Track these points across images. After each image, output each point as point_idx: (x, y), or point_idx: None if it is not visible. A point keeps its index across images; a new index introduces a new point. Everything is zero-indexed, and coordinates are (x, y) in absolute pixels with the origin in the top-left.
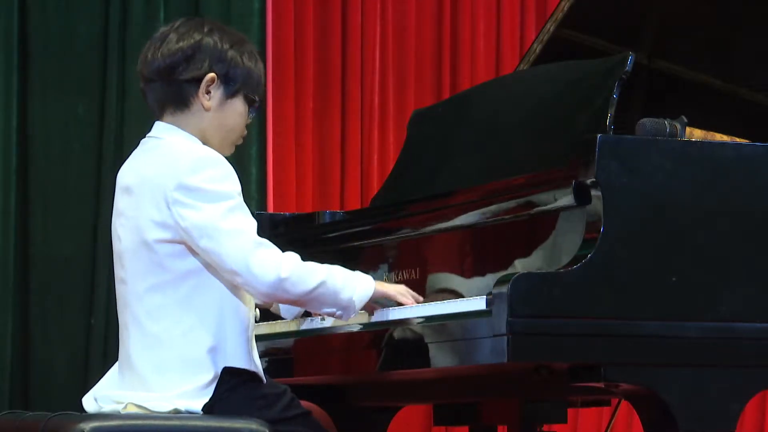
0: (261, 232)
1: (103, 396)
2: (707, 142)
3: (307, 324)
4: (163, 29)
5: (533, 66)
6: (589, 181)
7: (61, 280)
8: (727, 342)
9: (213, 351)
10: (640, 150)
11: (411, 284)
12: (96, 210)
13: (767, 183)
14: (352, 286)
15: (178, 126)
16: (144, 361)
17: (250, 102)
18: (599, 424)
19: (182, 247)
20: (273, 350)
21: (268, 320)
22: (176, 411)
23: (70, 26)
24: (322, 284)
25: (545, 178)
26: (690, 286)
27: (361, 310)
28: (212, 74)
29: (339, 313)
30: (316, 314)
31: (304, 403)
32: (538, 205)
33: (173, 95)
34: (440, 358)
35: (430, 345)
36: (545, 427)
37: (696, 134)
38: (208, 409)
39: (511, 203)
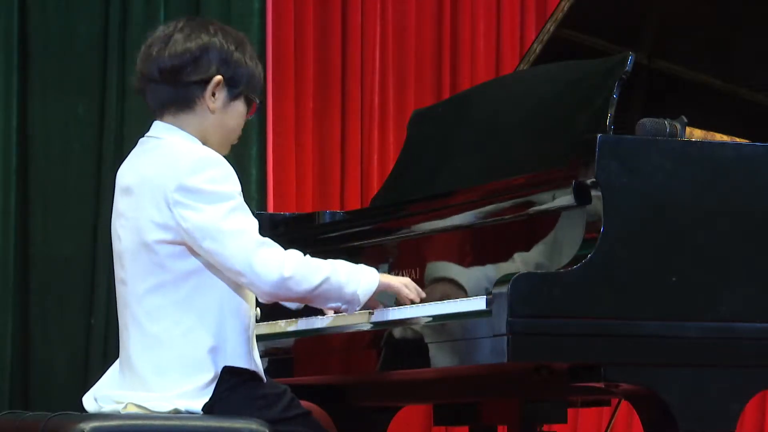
0: (261, 232)
1: (103, 396)
2: (707, 142)
3: (307, 324)
4: (165, 29)
5: (533, 66)
6: (589, 181)
7: (61, 280)
8: (727, 342)
9: (213, 351)
10: (640, 150)
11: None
12: (96, 210)
13: (767, 183)
14: (356, 279)
15: (179, 126)
16: (144, 361)
17: (249, 102)
18: (599, 424)
19: (183, 247)
20: (273, 350)
21: (268, 320)
22: (176, 411)
23: (70, 26)
24: (326, 281)
25: (545, 178)
26: (690, 286)
27: (366, 303)
28: (219, 77)
29: (344, 307)
30: (326, 310)
31: (304, 403)
32: (538, 205)
33: (178, 96)
34: (440, 358)
35: (430, 345)
36: (545, 427)
37: (696, 134)
38: (208, 409)
39: (511, 203)
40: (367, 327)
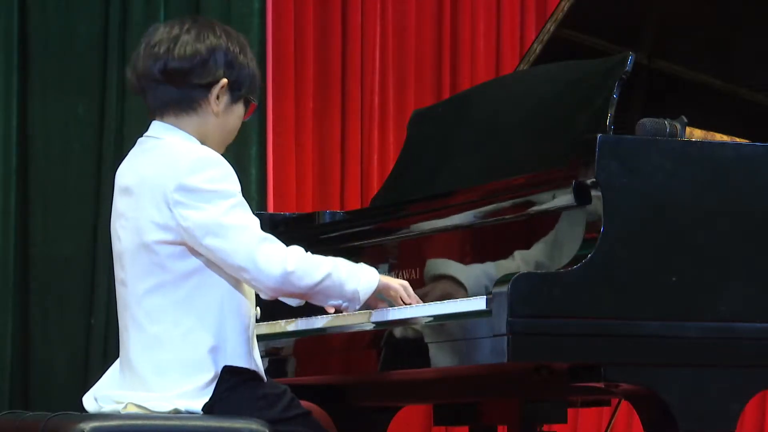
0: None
1: (104, 396)
2: (707, 142)
3: (308, 324)
4: (169, 29)
5: (533, 66)
6: (589, 181)
7: (61, 280)
8: (727, 342)
9: (213, 350)
10: (640, 150)
11: (411, 284)
12: (96, 210)
13: (767, 183)
14: (357, 277)
15: (179, 126)
16: (144, 362)
17: (247, 104)
18: (599, 424)
19: (183, 248)
20: (273, 350)
21: (268, 320)
22: (176, 411)
23: (70, 26)
24: (327, 277)
25: (545, 178)
26: (690, 286)
27: (365, 302)
28: (225, 80)
29: (345, 304)
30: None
31: (304, 403)
32: (538, 205)
33: (182, 98)
34: (440, 358)
35: (430, 345)
36: (545, 427)
37: (696, 134)
38: (208, 408)
39: (511, 203)
40: (367, 327)
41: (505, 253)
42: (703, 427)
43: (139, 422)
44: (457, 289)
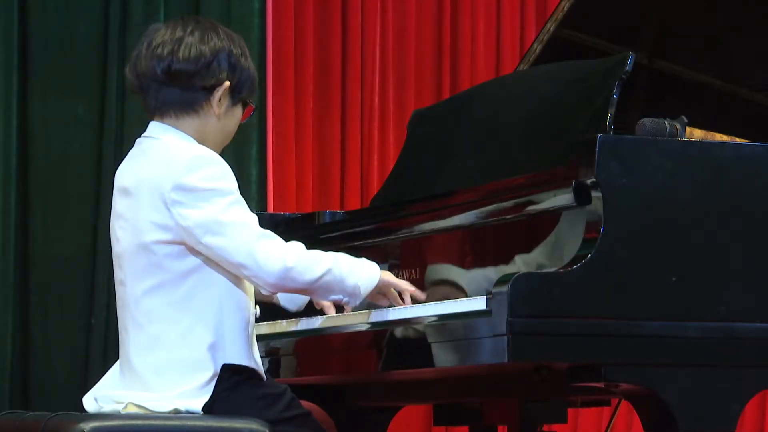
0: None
1: (104, 396)
2: (707, 142)
3: (308, 324)
4: (171, 30)
5: (533, 66)
6: (589, 181)
7: (61, 280)
8: (727, 342)
9: (212, 348)
10: (640, 150)
11: (412, 284)
12: (96, 210)
13: (767, 183)
14: (358, 272)
15: (178, 127)
16: (143, 362)
17: (245, 106)
18: (599, 424)
19: (181, 247)
20: (273, 350)
21: (268, 320)
22: (176, 411)
23: (70, 26)
24: (328, 272)
25: (545, 178)
26: (690, 286)
27: (366, 298)
28: (227, 83)
29: (346, 299)
30: (327, 309)
31: (304, 403)
32: (538, 205)
33: (183, 99)
34: (440, 358)
35: (430, 345)
36: (545, 427)
37: (696, 134)
38: (208, 408)
39: (512, 203)
40: (367, 327)
41: (504, 253)
42: (703, 427)
43: (139, 422)
44: (457, 289)
